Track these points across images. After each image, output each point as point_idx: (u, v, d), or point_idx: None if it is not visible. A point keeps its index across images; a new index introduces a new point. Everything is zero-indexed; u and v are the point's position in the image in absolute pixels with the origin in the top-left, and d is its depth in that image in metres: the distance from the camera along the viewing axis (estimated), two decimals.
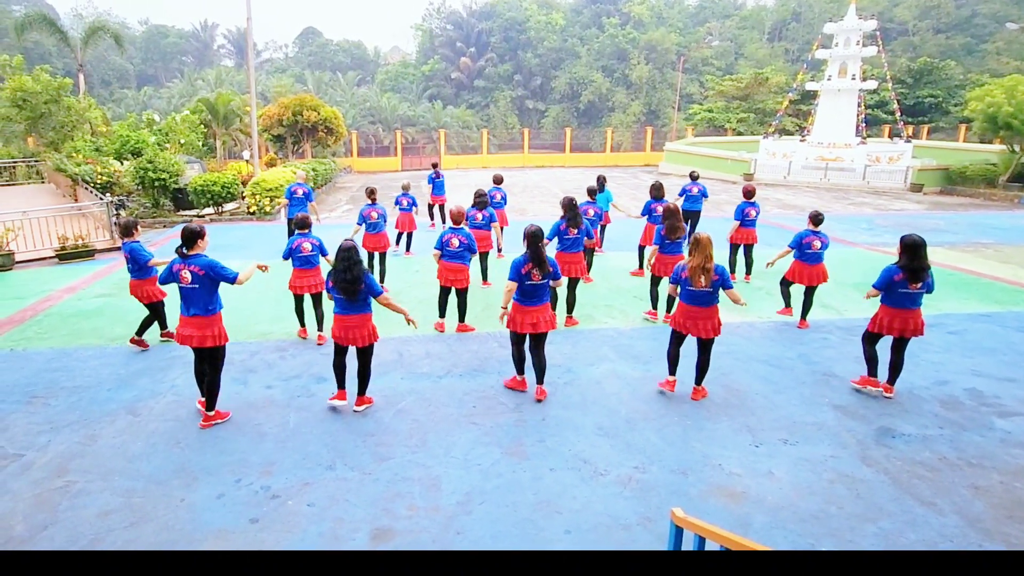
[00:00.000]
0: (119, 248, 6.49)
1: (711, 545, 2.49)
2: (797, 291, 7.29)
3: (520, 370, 5.34)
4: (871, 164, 22.01)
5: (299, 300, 6.54)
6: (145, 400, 5.21)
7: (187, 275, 4.57)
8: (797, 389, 5.49)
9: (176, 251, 4.64)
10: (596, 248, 9.87)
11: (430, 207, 12.95)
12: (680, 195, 10.85)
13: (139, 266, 6.02)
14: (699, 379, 5.28)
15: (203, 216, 14.92)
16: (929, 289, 5.08)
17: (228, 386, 5.48)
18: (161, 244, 11.54)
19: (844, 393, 5.41)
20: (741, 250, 8.94)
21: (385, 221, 8.57)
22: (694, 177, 10.92)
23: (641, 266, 9.32)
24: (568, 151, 33.37)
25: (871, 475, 4.18)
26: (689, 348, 5.27)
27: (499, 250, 10.51)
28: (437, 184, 12.67)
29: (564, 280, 5.26)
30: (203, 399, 4.88)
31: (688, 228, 10.84)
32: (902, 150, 22.03)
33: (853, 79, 23.19)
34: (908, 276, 4.94)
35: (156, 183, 14.53)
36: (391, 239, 9.35)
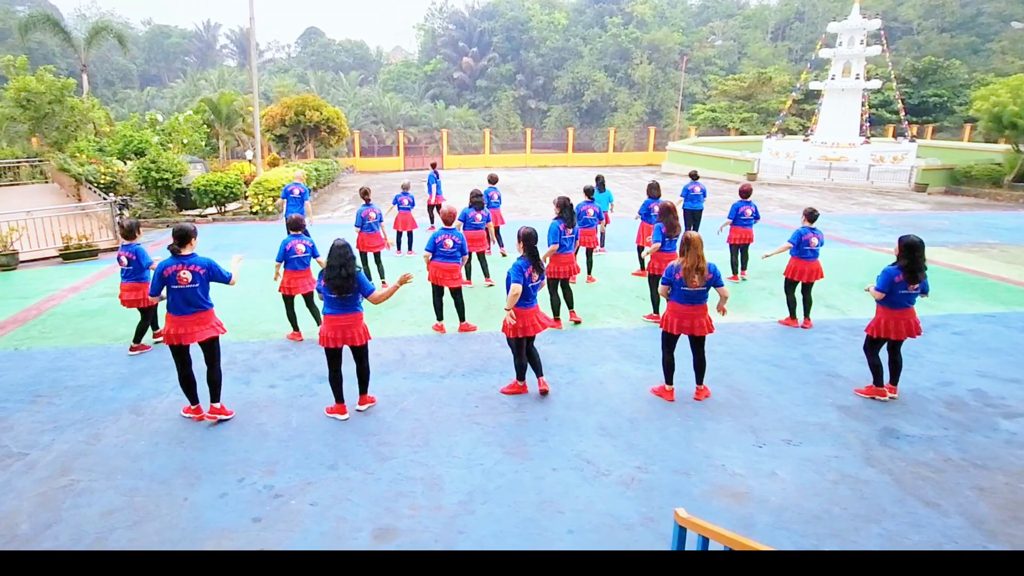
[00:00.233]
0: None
1: (714, 546, 2.49)
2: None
3: (522, 376, 5.33)
4: (875, 164, 21.94)
5: (290, 302, 6.55)
6: (148, 399, 5.23)
7: (186, 275, 4.57)
8: (800, 389, 5.48)
9: (170, 250, 4.64)
10: (598, 248, 9.88)
11: (430, 207, 12.99)
12: (682, 195, 10.85)
13: (140, 268, 6.01)
14: (700, 378, 5.27)
15: (206, 216, 14.96)
16: (925, 290, 5.07)
17: (231, 385, 5.49)
18: (164, 244, 11.56)
19: (848, 393, 5.39)
20: (738, 250, 8.96)
21: (381, 221, 8.62)
22: (694, 176, 10.93)
23: (643, 267, 9.31)
24: (571, 151, 33.36)
25: (875, 476, 4.16)
26: (681, 350, 5.24)
27: (501, 246, 10.54)
28: (438, 184, 12.75)
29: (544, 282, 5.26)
30: (191, 407, 4.88)
31: (693, 228, 10.90)
32: (906, 150, 21.94)
33: (857, 78, 23.11)
34: (908, 277, 4.94)
35: (159, 183, 14.57)
36: (390, 239, 9.43)
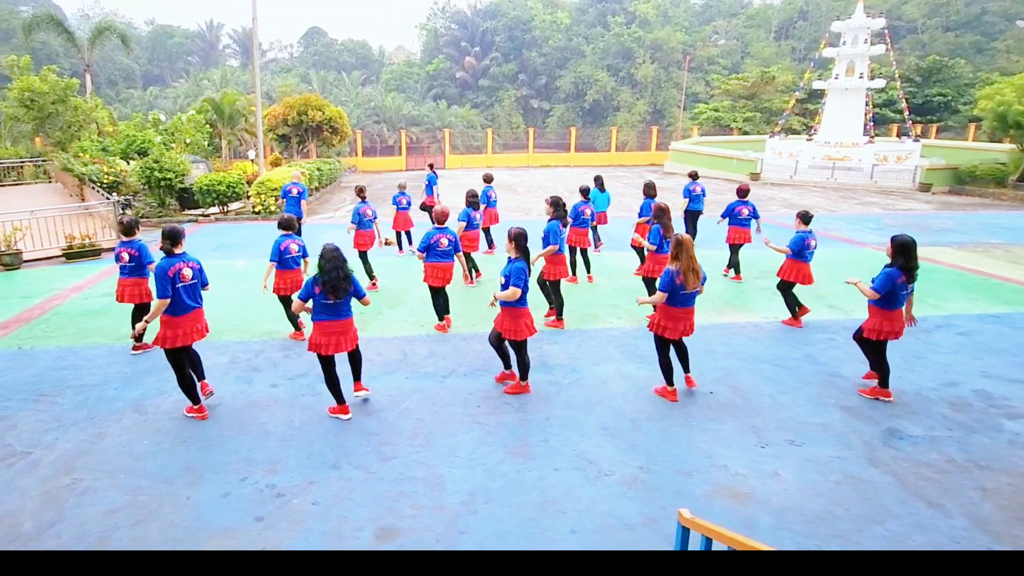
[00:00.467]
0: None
1: (718, 546, 2.48)
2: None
3: (524, 375, 5.33)
4: (879, 163, 21.87)
5: (287, 303, 6.56)
6: (151, 399, 5.24)
7: (188, 272, 4.70)
8: (803, 390, 5.46)
9: (163, 250, 4.71)
10: (593, 248, 9.92)
11: (423, 207, 12.99)
12: (685, 196, 10.86)
13: (141, 265, 6.02)
14: (687, 367, 5.38)
15: (208, 215, 15.00)
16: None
17: (233, 385, 5.50)
18: None
19: (851, 394, 5.37)
20: (737, 249, 8.97)
21: (375, 218, 8.68)
22: (694, 176, 10.96)
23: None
24: (573, 151, 33.32)
25: (878, 476, 4.14)
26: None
27: (491, 245, 10.63)
28: (435, 184, 12.83)
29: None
30: (193, 406, 4.90)
31: (693, 227, 10.95)
32: (910, 149, 21.87)
33: (861, 78, 23.03)
34: (906, 276, 4.97)
35: (162, 183, 14.60)
36: (391, 238, 9.48)
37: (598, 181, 10.33)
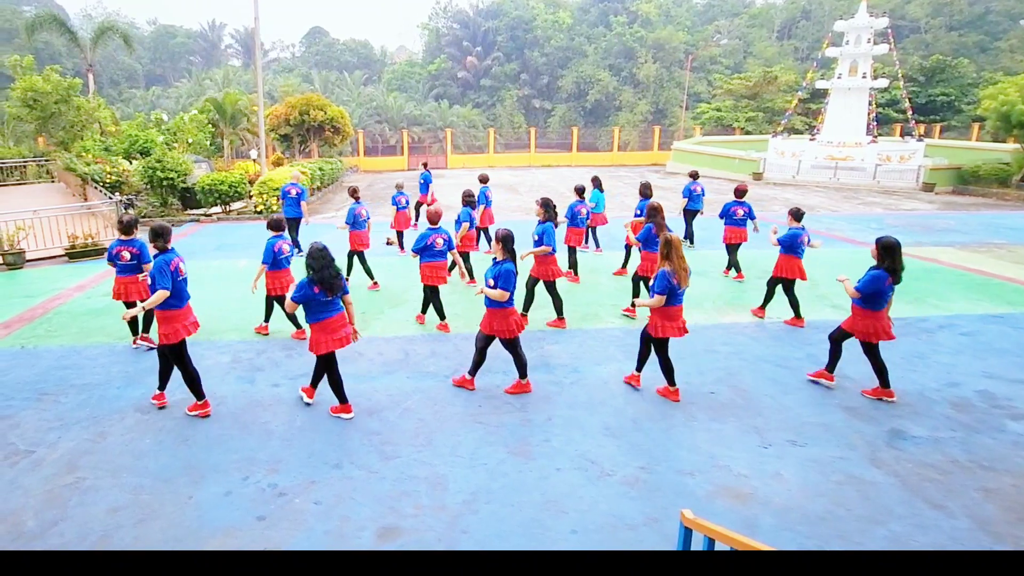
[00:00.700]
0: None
1: (720, 547, 2.47)
2: (780, 292, 7.19)
3: (524, 374, 5.34)
4: (882, 163, 21.81)
5: (281, 302, 6.57)
6: None
7: (183, 266, 4.86)
8: (805, 390, 5.45)
9: (157, 248, 4.80)
10: (583, 247, 10.01)
11: (418, 206, 13.00)
12: (686, 195, 10.90)
13: (141, 263, 6.04)
14: (640, 367, 5.43)
15: (210, 215, 15.03)
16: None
17: (235, 384, 5.51)
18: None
19: (853, 394, 5.36)
20: (735, 249, 9.02)
21: (369, 219, 8.68)
22: (695, 176, 11.06)
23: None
24: (575, 150, 33.32)
25: (880, 477, 4.13)
26: (675, 351, 5.24)
27: (490, 243, 10.65)
28: (429, 184, 12.88)
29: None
30: (197, 403, 4.93)
31: (689, 226, 11.05)
32: (913, 149, 21.81)
33: (864, 77, 22.97)
34: (892, 278, 5.01)
35: (164, 182, 14.63)
36: (391, 237, 9.46)
37: (596, 181, 10.34)
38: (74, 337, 6.69)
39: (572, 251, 8.86)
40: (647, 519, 3.70)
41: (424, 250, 6.60)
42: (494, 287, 4.98)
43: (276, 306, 6.66)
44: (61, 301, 8.02)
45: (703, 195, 10.97)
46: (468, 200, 8.47)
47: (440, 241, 6.62)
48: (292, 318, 6.63)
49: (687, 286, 5.00)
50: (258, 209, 15.07)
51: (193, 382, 4.87)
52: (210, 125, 21.99)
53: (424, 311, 7.09)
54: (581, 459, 4.33)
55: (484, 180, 11.04)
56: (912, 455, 4.40)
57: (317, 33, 61.91)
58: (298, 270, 5.65)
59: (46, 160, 21.07)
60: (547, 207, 6.69)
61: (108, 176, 14.95)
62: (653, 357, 5.27)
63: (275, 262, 6.31)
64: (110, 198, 12.51)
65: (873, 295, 5.04)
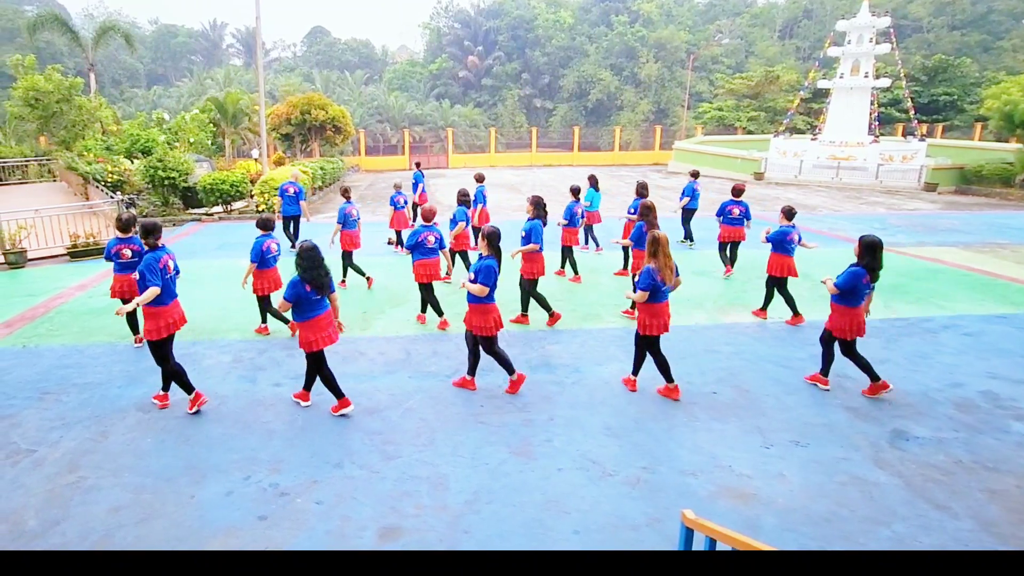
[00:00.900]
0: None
1: (722, 547, 2.46)
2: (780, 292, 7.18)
3: (511, 369, 5.33)
4: (884, 163, 21.77)
5: (266, 301, 6.58)
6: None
7: (172, 264, 4.88)
8: (808, 390, 5.44)
9: (148, 245, 4.80)
10: (583, 247, 10.04)
11: (414, 206, 13.00)
12: (688, 195, 10.93)
13: (138, 261, 6.03)
14: (637, 371, 5.42)
15: (212, 214, 15.04)
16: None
17: (237, 384, 5.51)
18: (170, 243, 11.62)
19: (855, 395, 5.34)
20: (727, 246, 9.08)
21: (359, 219, 8.70)
22: (695, 176, 11.14)
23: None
24: (576, 150, 33.31)
25: (884, 478, 4.12)
26: (671, 350, 5.23)
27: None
28: (422, 183, 12.91)
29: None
30: (190, 398, 4.94)
31: (687, 225, 11.11)
32: (916, 149, 21.76)
33: (866, 77, 22.93)
34: (870, 276, 5.05)
35: (166, 181, 14.64)
36: (391, 237, 9.49)
37: (592, 180, 10.34)
38: (76, 336, 6.69)
39: (570, 251, 8.86)
40: (649, 519, 3.69)
41: (416, 247, 6.64)
42: (474, 281, 4.99)
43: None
44: (63, 300, 8.03)
45: (699, 195, 11.13)
46: (463, 199, 8.47)
47: (432, 239, 6.65)
48: (282, 317, 6.63)
49: (671, 284, 5.02)
50: (259, 208, 15.07)
51: (179, 377, 4.89)
52: (211, 124, 22.02)
53: (424, 311, 7.10)
54: (583, 459, 4.33)
55: (480, 179, 11.05)
56: (915, 456, 4.39)
57: (318, 33, 61.97)
58: (287, 269, 5.65)
59: (48, 159, 21.11)
60: (537, 205, 6.70)
61: (110, 175, 14.96)
62: (651, 359, 5.26)
63: (263, 261, 6.33)
64: (112, 197, 12.53)
65: (851, 292, 5.08)
